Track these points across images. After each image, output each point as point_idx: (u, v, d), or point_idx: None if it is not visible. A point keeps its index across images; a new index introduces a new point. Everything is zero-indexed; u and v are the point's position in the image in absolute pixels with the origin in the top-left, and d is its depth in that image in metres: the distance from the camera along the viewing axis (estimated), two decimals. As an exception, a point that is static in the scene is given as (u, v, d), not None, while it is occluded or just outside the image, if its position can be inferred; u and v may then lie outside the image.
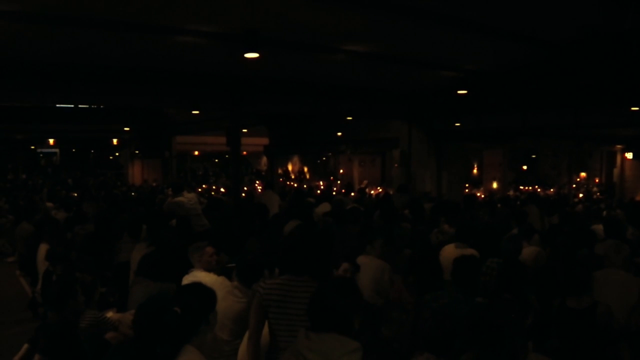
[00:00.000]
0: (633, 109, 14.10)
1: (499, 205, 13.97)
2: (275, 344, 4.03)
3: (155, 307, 3.74)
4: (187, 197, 11.26)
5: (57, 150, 47.37)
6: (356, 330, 3.25)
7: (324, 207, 11.66)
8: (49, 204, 14.93)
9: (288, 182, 28.18)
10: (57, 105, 23.50)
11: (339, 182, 26.70)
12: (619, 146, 26.26)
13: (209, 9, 8.47)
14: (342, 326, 3.19)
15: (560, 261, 5.90)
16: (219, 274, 5.74)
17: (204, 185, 27.81)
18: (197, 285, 4.14)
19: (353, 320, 3.23)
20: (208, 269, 5.78)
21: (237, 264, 5.36)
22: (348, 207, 11.02)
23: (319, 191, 21.02)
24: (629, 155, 25.84)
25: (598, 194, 26.26)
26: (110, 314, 5.54)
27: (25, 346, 5.09)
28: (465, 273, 5.04)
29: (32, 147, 44.71)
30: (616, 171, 27.63)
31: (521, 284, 4.99)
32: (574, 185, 27.90)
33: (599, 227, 9.12)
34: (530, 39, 11.04)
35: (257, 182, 28.58)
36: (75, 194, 18.72)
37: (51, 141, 41.92)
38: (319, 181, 28.09)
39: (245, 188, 21.36)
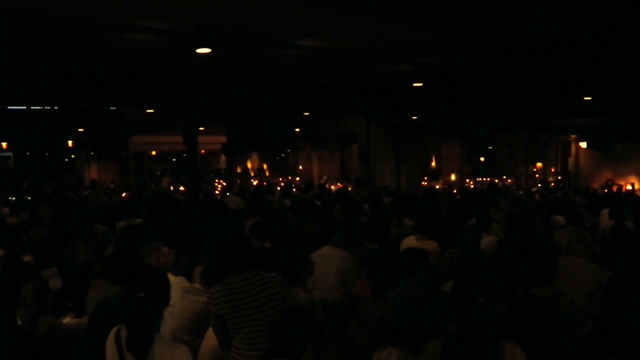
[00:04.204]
0: (586, 98, 14.36)
1: (457, 196, 14.10)
2: (236, 342, 4.04)
3: (112, 309, 3.64)
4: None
5: (10, 154, 46.25)
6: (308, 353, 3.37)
7: (286, 203, 11.67)
8: (5, 210, 14.58)
9: (248, 180, 27.98)
10: (8, 107, 23.04)
11: (297, 178, 26.61)
12: (573, 136, 26.73)
13: (159, 4, 8.35)
14: (294, 353, 3.34)
15: (519, 250, 5.97)
16: (177, 274, 5.63)
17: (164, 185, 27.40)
18: (148, 269, 4.01)
19: (306, 347, 3.35)
20: (165, 270, 5.67)
21: (204, 268, 5.26)
22: (303, 201, 11.05)
23: (278, 187, 20.92)
24: (583, 145, 26.37)
25: (553, 183, 26.66)
26: (67, 320, 5.42)
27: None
28: (412, 264, 5.07)
29: (-18, 152, 43.60)
30: (571, 160, 28.13)
31: (481, 273, 5.02)
32: (537, 175, 28.34)
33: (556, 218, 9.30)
34: (484, 32, 11.17)
35: (217, 180, 28.32)
36: (29, 197, 18.31)
37: (4, 144, 40.90)
38: (278, 178, 27.95)
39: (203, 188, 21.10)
